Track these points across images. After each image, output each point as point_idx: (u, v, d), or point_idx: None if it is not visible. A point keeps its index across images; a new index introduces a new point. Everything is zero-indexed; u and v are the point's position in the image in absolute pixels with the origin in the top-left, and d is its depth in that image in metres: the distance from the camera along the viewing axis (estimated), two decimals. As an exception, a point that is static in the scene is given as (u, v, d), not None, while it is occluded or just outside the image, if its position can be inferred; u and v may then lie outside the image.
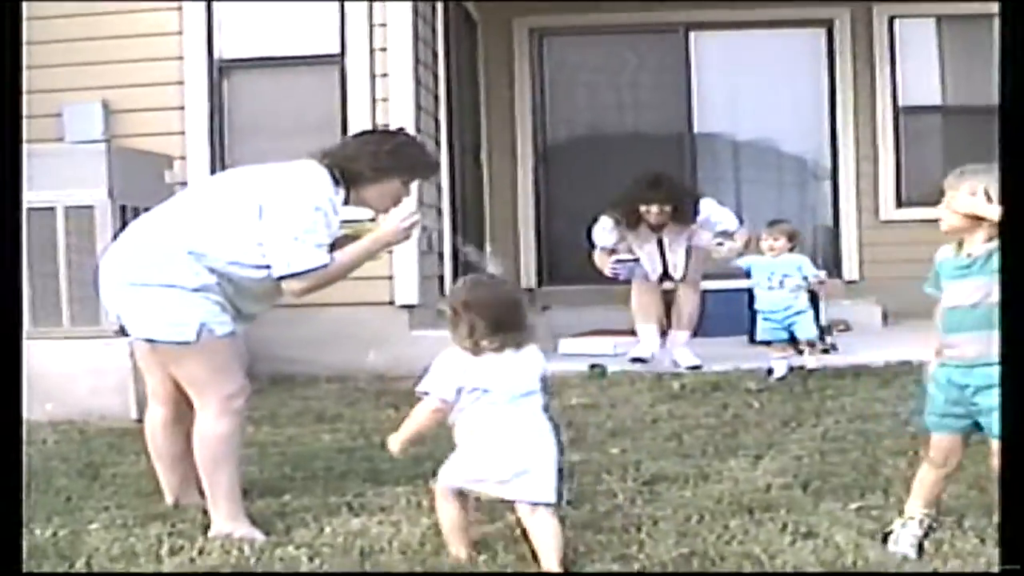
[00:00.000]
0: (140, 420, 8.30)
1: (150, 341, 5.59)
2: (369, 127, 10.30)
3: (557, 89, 14.51)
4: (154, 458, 6.01)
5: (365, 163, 5.70)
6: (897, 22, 13.86)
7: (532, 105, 14.32)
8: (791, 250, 9.73)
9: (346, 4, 10.60)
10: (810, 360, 9.60)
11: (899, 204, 13.86)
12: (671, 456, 6.80)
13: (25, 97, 10.08)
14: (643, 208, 9.86)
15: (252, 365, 9.67)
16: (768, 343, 9.69)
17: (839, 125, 14.04)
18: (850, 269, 13.94)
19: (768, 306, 9.70)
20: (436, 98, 11.47)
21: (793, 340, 9.70)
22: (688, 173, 14.04)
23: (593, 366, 9.63)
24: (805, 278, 9.66)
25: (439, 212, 11.41)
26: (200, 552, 5.27)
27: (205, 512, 5.74)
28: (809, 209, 14.37)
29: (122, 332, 6.12)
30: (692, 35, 14.22)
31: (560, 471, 5.10)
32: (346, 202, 5.72)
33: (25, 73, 10.15)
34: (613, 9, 13.73)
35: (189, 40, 10.71)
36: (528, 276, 13.99)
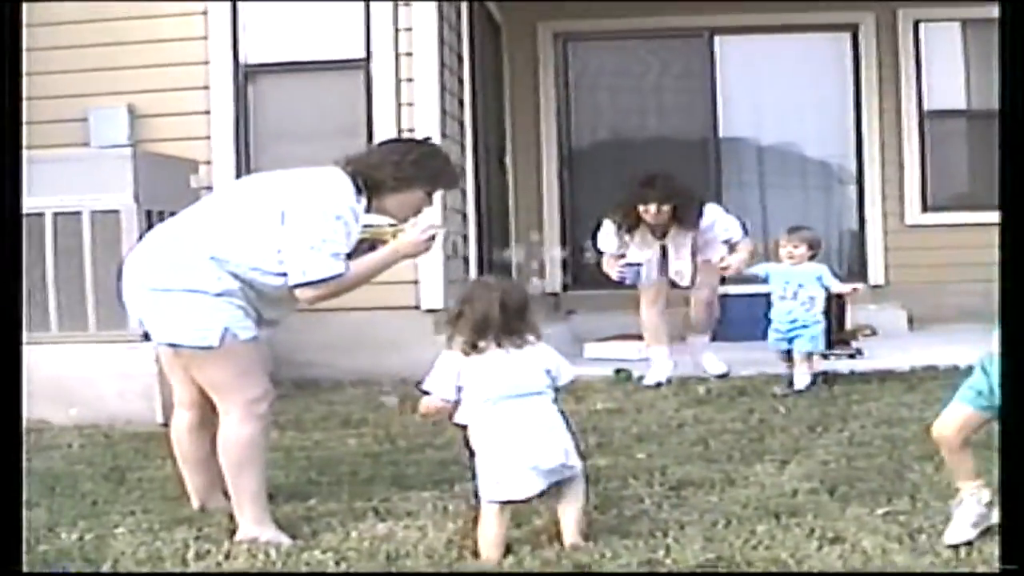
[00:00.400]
0: (166, 424, 8.34)
1: (173, 346, 5.63)
2: (394, 132, 10.33)
3: (582, 93, 14.49)
4: (180, 462, 6.02)
5: (388, 172, 5.71)
6: (922, 26, 13.82)
7: (557, 109, 14.31)
8: (811, 258, 9.49)
9: (371, 8, 10.60)
10: (801, 377, 9.18)
11: (924, 209, 13.81)
12: (697, 461, 6.78)
13: (51, 102, 10.22)
14: (641, 208, 9.75)
15: (277, 370, 9.75)
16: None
17: (864, 129, 13.98)
18: (875, 274, 13.88)
19: (776, 315, 9.52)
20: (461, 102, 11.47)
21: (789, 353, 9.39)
22: (712, 177, 14.05)
23: (619, 370, 9.63)
24: (826, 288, 9.44)
25: (464, 217, 11.41)
26: (227, 556, 5.28)
27: (231, 516, 5.75)
28: (834, 214, 14.34)
29: (146, 336, 6.14)
30: (717, 39, 14.18)
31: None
32: (368, 210, 5.72)
33: (51, 78, 10.28)
34: (638, 13, 13.70)
35: (215, 45, 10.73)
36: (553, 281, 13.96)
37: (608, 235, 10.06)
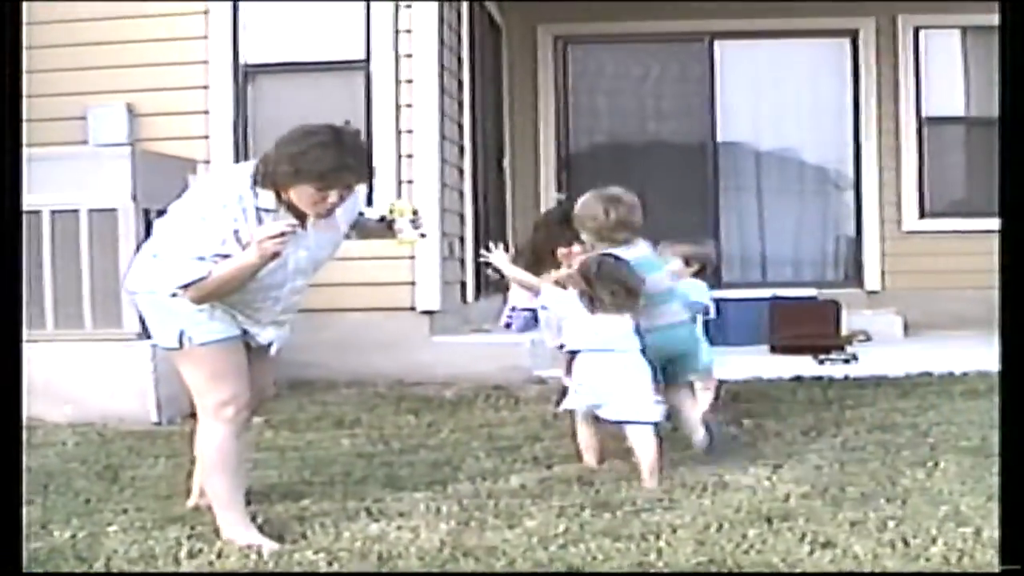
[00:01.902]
0: (159, 423, 8.42)
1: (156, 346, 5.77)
2: (393, 133, 10.37)
3: (581, 97, 14.53)
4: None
5: (281, 165, 5.37)
6: (922, 33, 13.85)
7: (556, 112, 14.35)
8: (698, 274, 8.29)
9: (372, 10, 10.60)
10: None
11: (922, 215, 13.84)
12: (690, 464, 6.77)
13: (50, 100, 10.22)
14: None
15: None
16: None
17: (862, 135, 14.02)
18: (872, 279, 13.91)
19: None
20: (460, 104, 11.48)
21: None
22: (710, 182, 14.10)
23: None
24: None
25: (461, 218, 11.42)
26: (219, 555, 5.28)
27: (224, 515, 5.80)
28: (831, 219, 14.38)
29: (144, 335, 6.14)
30: (717, 44, 14.23)
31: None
32: (280, 201, 5.43)
33: (50, 75, 10.29)
34: (638, 18, 13.74)
35: (214, 44, 10.73)
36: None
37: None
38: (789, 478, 6.40)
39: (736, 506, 5.83)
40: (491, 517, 5.73)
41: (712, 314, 8.32)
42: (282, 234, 5.14)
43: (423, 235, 6.09)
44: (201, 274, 5.23)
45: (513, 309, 9.06)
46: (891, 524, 5.43)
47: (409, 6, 10.50)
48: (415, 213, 6.02)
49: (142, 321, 5.85)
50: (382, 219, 6.01)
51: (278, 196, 5.39)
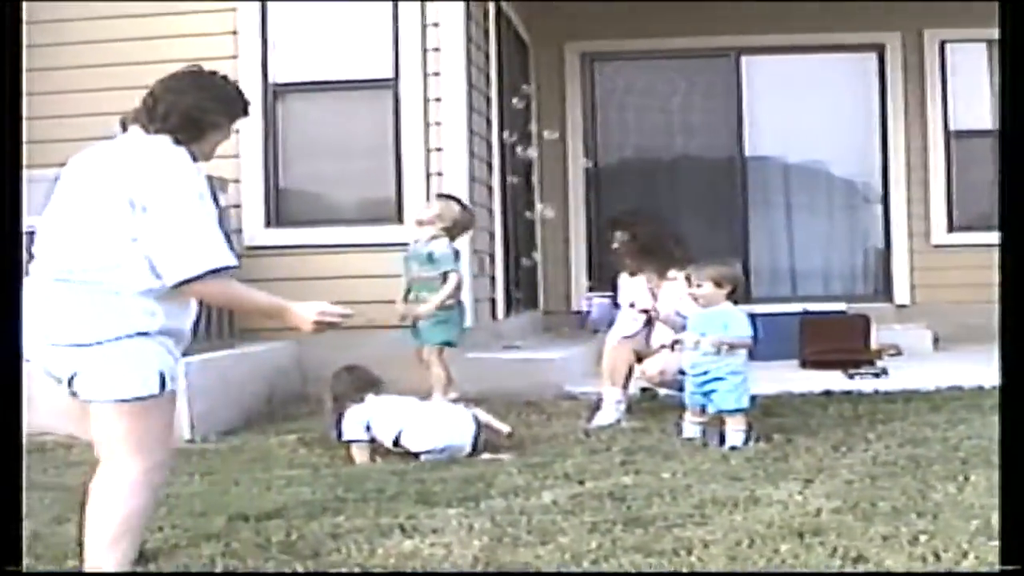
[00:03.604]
0: (193, 441, 8.46)
1: None
2: (422, 151, 10.46)
3: (608, 113, 14.59)
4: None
5: (210, 113, 4.97)
6: (948, 46, 13.87)
7: (584, 129, 14.38)
8: (730, 296, 8.12)
9: (400, 29, 10.68)
10: (734, 436, 7.89)
11: (950, 229, 13.85)
12: (721, 479, 6.79)
13: (83, 120, 10.27)
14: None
15: (306, 386, 9.82)
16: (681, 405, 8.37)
17: (890, 149, 14.05)
18: (901, 293, 13.93)
19: (687, 367, 8.21)
20: (488, 122, 11.53)
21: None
22: (739, 196, 14.13)
23: (644, 389, 9.61)
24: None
25: (491, 236, 11.46)
26: (254, 572, 5.32)
27: (258, 531, 5.83)
28: (860, 233, 14.38)
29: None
30: (743, 59, 14.27)
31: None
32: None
33: (83, 96, 10.38)
34: (665, 34, 13.80)
35: (244, 64, 10.80)
36: (579, 299, 13.98)
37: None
38: (820, 493, 6.39)
39: (768, 521, 5.82)
40: (524, 533, 5.75)
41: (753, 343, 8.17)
42: (340, 319, 4.98)
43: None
44: (234, 261, 4.79)
45: (590, 296, 9.18)
46: (923, 538, 5.41)
47: (437, 24, 10.56)
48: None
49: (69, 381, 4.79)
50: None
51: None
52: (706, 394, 8.04)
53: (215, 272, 4.69)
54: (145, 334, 4.70)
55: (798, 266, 14.37)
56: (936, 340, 12.91)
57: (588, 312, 9.74)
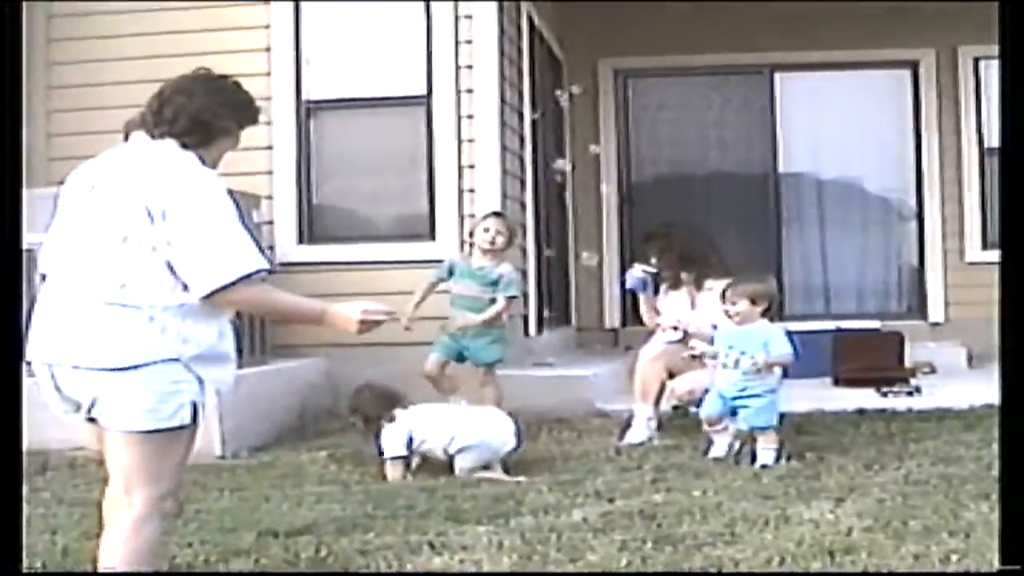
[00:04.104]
0: (223, 457, 8.48)
1: None
2: (455, 167, 10.45)
3: (642, 129, 14.56)
4: None
5: (221, 118, 4.76)
6: (982, 63, 13.77)
7: (617, 144, 14.36)
8: (765, 314, 8.12)
9: (433, 46, 10.70)
10: (765, 454, 7.86)
11: (985, 246, 13.75)
12: (752, 498, 6.77)
13: (116, 136, 10.31)
14: None
15: (337, 403, 9.82)
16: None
17: (924, 166, 13.98)
18: (935, 311, 13.86)
19: (719, 384, 8.15)
20: (522, 138, 11.53)
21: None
22: (772, 212, 14.10)
23: (676, 407, 9.59)
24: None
25: (523, 252, 11.45)
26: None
27: (288, 548, 5.85)
28: (894, 250, 14.32)
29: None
30: (777, 76, 14.23)
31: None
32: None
33: (117, 112, 10.39)
34: (698, 51, 13.79)
35: (278, 81, 10.86)
36: (611, 316, 13.98)
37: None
38: (852, 511, 6.37)
39: (798, 540, 5.81)
40: (553, 551, 5.76)
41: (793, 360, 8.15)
42: (385, 316, 4.72)
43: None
44: (266, 264, 4.49)
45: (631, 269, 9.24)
46: (954, 558, 5.41)
47: (470, 41, 10.58)
48: None
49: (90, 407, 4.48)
50: None
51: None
52: (734, 411, 8.03)
53: (247, 278, 4.37)
54: (176, 360, 4.38)
55: (832, 283, 14.31)
56: (970, 358, 12.83)
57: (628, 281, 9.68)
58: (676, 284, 9.38)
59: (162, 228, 4.32)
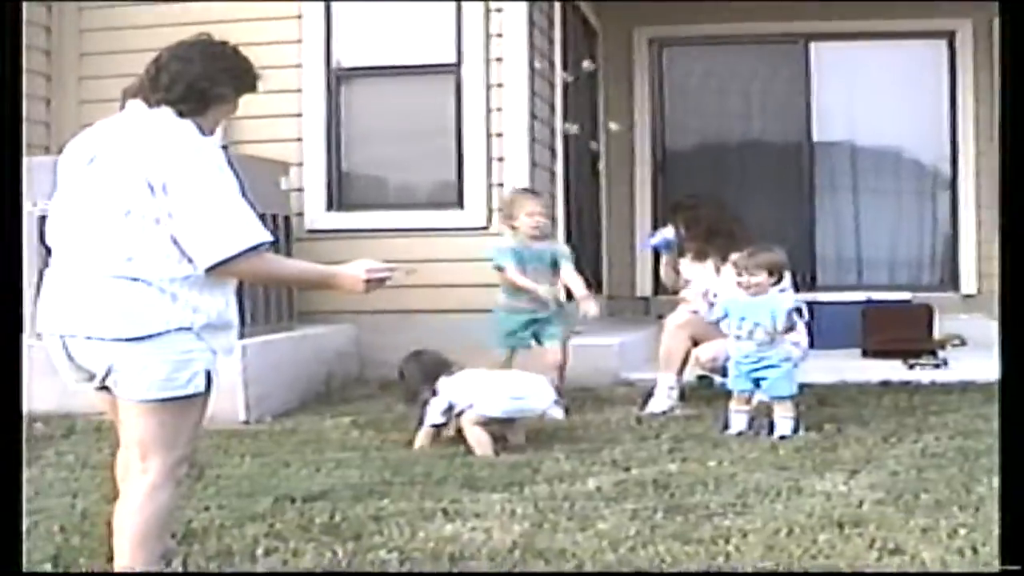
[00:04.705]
0: (247, 422, 8.56)
1: None
2: (483, 136, 10.49)
3: (676, 98, 14.54)
4: None
5: (218, 85, 4.67)
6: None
7: (651, 114, 14.36)
8: (776, 284, 8.22)
9: (463, 14, 10.73)
10: (782, 423, 7.91)
11: (1001, 231, 13.65)
12: (767, 469, 6.81)
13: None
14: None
15: (363, 370, 9.89)
16: (729, 393, 8.29)
17: (959, 136, 13.91)
18: (968, 282, 13.79)
19: (736, 356, 8.20)
20: (552, 107, 11.54)
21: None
22: (806, 182, 14.08)
23: (701, 377, 9.61)
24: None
25: (553, 220, 11.47)
26: (294, 554, 5.39)
27: (302, 513, 5.91)
28: (927, 221, 14.26)
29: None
30: (812, 46, 14.18)
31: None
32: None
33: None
34: (733, 20, 13.73)
35: (308, 49, 10.92)
36: (643, 285, 13.98)
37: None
38: (865, 484, 6.40)
39: (809, 511, 5.85)
40: (564, 519, 5.81)
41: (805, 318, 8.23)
42: (389, 273, 4.73)
43: None
44: (269, 236, 4.47)
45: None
46: (962, 531, 5.42)
47: (500, 10, 10.59)
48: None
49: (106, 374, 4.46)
50: None
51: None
52: (756, 381, 8.05)
53: (253, 250, 4.36)
54: (188, 329, 4.39)
55: (864, 253, 14.27)
56: (1003, 330, 12.77)
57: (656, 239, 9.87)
58: (701, 256, 9.40)
59: (164, 201, 4.30)
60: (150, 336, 4.35)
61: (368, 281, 4.64)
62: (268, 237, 4.43)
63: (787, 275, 8.48)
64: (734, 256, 8.43)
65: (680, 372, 9.11)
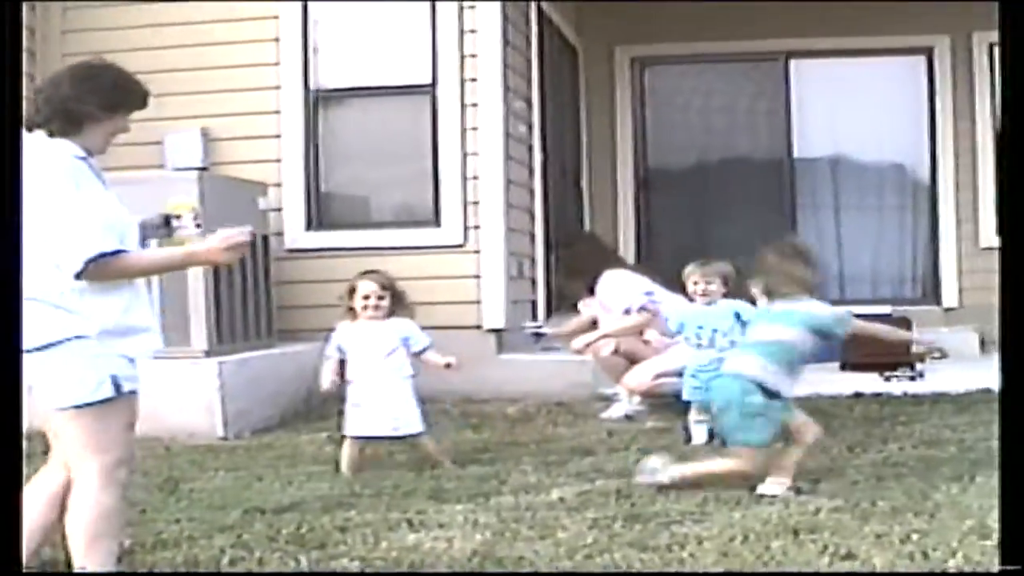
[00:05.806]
0: (225, 438, 8.65)
1: None
2: (459, 155, 10.58)
3: (658, 116, 14.68)
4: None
5: (87, 103, 4.75)
6: (997, 49, 13.80)
7: (633, 132, 14.50)
8: (726, 295, 8.33)
9: (438, 36, 10.84)
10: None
11: (999, 231, 13.77)
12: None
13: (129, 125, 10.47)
14: None
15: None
16: (687, 405, 8.42)
17: (939, 152, 14.03)
18: (949, 296, 13.91)
19: (693, 365, 8.29)
20: (530, 126, 11.64)
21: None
22: (787, 199, 14.20)
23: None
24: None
25: (532, 238, 11.58)
26: (259, 563, 5.49)
27: (271, 525, 6.01)
28: (908, 236, 14.36)
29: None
30: (792, 63, 14.32)
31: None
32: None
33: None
34: (714, 38, 13.89)
35: (286, 71, 11.02)
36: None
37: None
38: (825, 492, 6.48)
39: (766, 519, 5.93)
40: (525, 529, 5.90)
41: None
42: (247, 240, 4.91)
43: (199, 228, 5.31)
44: (115, 246, 4.58)
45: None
46: (915, 537, 5.50)
47: (475, 31, 10.69)
48: (194, 210, 5.36)
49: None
50: (166, 220, 5.25)
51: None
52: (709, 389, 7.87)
53: (105, 256, 4.53)
54: (86, 337, 4.58)
55: (846, 268, 14.38)
56: (983, 343, 12.85)
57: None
58: (590, 291, 9.84)
59: (33, 220, 4.57)
60: (48, 345, 4.57)
61: (227, 250, 4.82)
62: (114, 247, 4.57)
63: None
64: (688, 268, 8.54)
65: None
